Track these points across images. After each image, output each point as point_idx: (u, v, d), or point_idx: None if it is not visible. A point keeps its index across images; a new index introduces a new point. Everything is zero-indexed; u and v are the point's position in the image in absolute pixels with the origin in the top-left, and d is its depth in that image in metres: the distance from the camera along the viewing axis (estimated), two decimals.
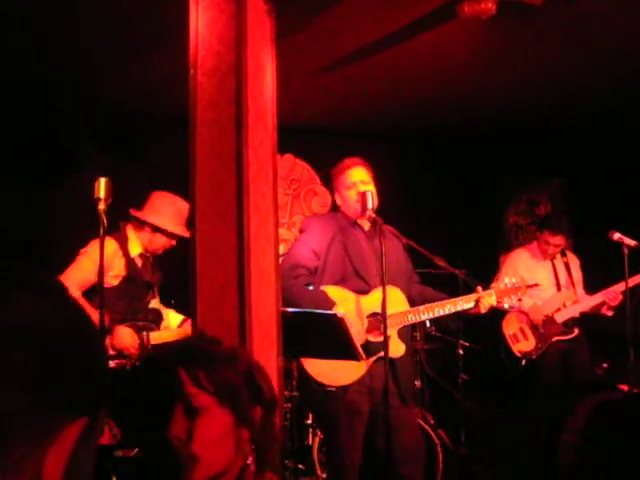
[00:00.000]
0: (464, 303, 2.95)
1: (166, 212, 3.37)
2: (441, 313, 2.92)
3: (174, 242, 3.41)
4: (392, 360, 2.90)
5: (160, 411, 1.14)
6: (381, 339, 2.76)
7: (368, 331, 2.88)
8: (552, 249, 4.22)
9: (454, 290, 3.35)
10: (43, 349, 0.53)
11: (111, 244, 3.15)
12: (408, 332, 3.13)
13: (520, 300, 3.25)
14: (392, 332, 2.89)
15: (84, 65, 3.81)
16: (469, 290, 3.11)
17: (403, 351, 2.94)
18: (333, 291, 2.90)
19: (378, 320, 2.79)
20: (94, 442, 0.58)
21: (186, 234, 3.27)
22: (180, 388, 1.13)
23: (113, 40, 3.48)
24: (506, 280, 3.16)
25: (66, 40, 3.47)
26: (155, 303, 3.48)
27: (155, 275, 3.48)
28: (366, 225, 3.03)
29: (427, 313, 2.91)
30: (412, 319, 2.92)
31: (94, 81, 4.08)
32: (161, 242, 3.38)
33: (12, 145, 4.23)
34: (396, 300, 2.93)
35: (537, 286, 3.49)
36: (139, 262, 3.37)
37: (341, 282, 2.92)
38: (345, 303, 2.86)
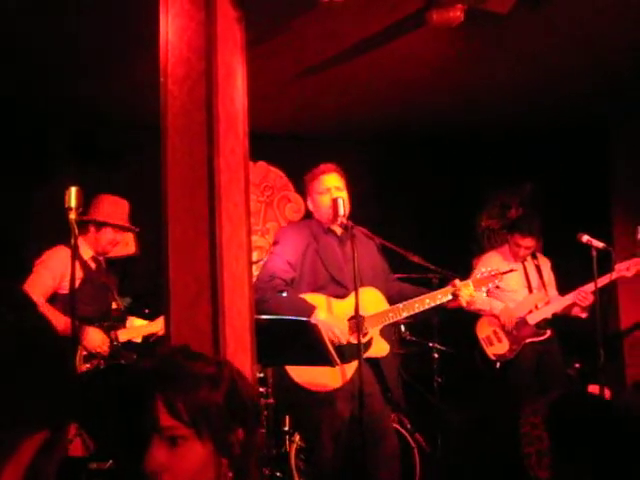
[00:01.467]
0: (442, 296, 2.96)
1: (106, 210, 3.48)
2: (421, 309, 2.93)
3: (119, 238, 3.52)
4: (377, 360, 2.94)
5: (135, 441, 1.09)
6: (362, 340, 2.79)
7: (345, 338, 2.88)
8: (523, 251, 4.28)
9: (429, 288, 3.34)
10: (4, 360, 0.52)
11: (64, 251, 3.26)
12: (391, 331, 3.14)
13: (498, 287, 3.23)
14: (374, 332, 2.92)
15: (58, 73, 3.77)
16: (444, 286, 3.11)
17: (387, 350, 2.96)
18: (311, 298, 2.91)
19: (354, 324, 2.80)
20: (57, 455, 0.57)
21: (128, 226, 3.53)
22: (157, 420, 1.07)
23: (87, 48, 3.45)
24: (482, 269, 3.18)
25: (40, 50, 3.43)
26: (115, 306, 3.54)
27: (110, 278, 3.58)
28: (339, 230, 3.06)
29: (407, 310, 2.92)
30: (392, 317, 2.93)
31: (67, 89, 4.03)
32: (107, 238, 3.48)
33: None
34: (375, 301, 2.96)
35: (513, 271, 3.49)
36: (92, 265, 3.47)
37: (319, 290, 2.94)
38: (324, 308, 2.88)
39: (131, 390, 1.11)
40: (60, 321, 3.00)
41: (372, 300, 2.93)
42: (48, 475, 0.57)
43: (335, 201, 2.92)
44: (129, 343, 3.44)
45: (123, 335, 3.38)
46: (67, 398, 0.57)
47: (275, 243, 3.09)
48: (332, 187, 3.03)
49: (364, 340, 2.85)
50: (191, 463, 1.08)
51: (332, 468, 2.86)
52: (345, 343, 2.85)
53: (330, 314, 2.87)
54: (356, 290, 2.69)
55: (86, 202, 2.91)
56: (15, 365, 0.53)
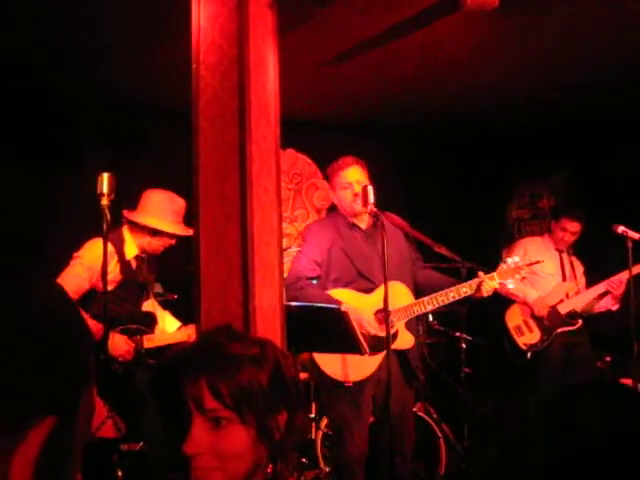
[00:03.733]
0: (467, 289, 2.97)
1: (163, 212, 3.25)
2: (445, 302, 2.95)
3: (174, 241, 3.33)
4: (405, 351, 3.01)
5: (179, 423, 1.06)
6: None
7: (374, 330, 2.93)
8: (568, 236, 4.22)
9: (457, 278, 3.31)
10: (19, 344, 0.50)
11: (107, 248, 2.92)
12: (414, 324, 3.18)
13: (524, 279, 3.21)
14: (400, 325, 2.97)
15: (88, 60, 3.80)
16: (472, 277, 3.11)
17: (412, 342, 3.02)
18: (337, 293, 2.95)
19: (381, 317, 2.87)
20: (71, 441, 0.55)
21: (186, 232, 3.26)
22: (201, 401, 1.05)
23: (117, 34, 3.47)
24: (508, 261, 3.14)
25: (69, 35, 3.46)
26: (149, 305, 3.41)
27: (150, 274, 3.40)
28: (363, 223, 3.08)
29: (432, 304, 2.95)
30: (417, 311, 2.97)
31: (98, 76, 4.07)
32: (162, 243, 3.29)
33: (15, 140, 4.22)
34: (401, 294, 3.00)
35: (539, 262, 3.40)
36: (134, 264, 3.28)
37: (347, 285, 2.98)
38: (351, 302, 2.92)
39: (175, 371, 1.09)
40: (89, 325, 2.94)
41: (398, 294, 2.97)
42: (65, 461, 0.55)
43: (364, 189, 2.91)
44: (156, 349, 3.24)
45: (149, 342, 3.21)
46: (72, 381, 0.56)
47: (303, 241, 3.12)
48: (354, 181, 3.02)
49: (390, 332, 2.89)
50: (233, 445, 1.06)
51: (358, 454, 2.92)
52: (373, 333, 2.89)
53: (357, 306, 2.91)
54: (385, 284, 2.71)
55: (117, 189, 2.81)
56: (16, 347, 0.51)
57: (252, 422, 1.07)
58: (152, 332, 3.30)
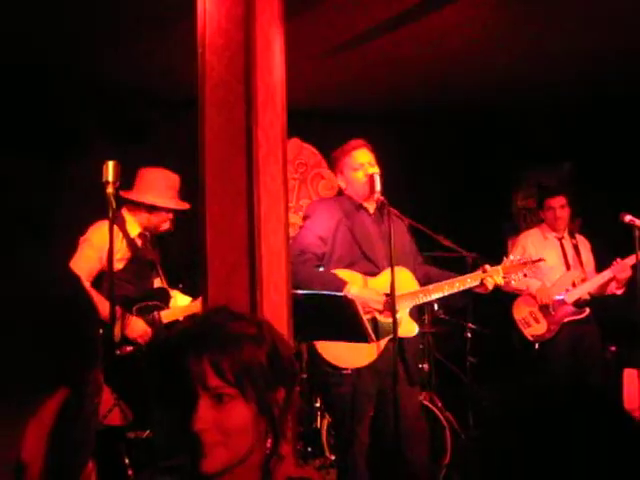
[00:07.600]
0: (472, 281, 2.95)
1: (158, 187, 3.32)
2: (450, 292, 2.92)
3: (171, 216, 3.40)
4: (401, 340, 2.90)
5: (184, 402, 1.10)
6: (391, 320, 2.79)
7: (379, 312, 2.86)
8: (559, 212, 4.17)
9: (462, 271, 3.30)
10: (31, 315, 0.51)
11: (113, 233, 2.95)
12: (416, 313, 3.11)
13: (525, 276, 3.24)
14: (403, 312, 2.90)
15: (91, 47, 3.77)
16: (476, 269, 3.09)
17: (416, 330, 2.95)
18: (344, 274, 2.87)
19: (388, 301, 2.79)
20: (84, 414, 0.55)
21: (181, 206, 3.37)
22: (205, 379, 1.09)
23: (121, 21, 3.44)
24: (511, 257, 3.17)
25: (73, 22, 3.43)
26: (159, 282, 3.47)
27: (155, 254, 3.47)
28: (371, 208, 3.02)
29: (437, 292, 2.91)
30: (422, 299, 2.92)
31: (102, 63, 4.04)
32: (160, 218, 3.36)
33: (21, 128, 4.20)
34: (406, 281, 2.93)
35: (542, 261, 3.43)
36: (139, 242, 3.34)
37: (350, 266, 2.90)
38: (359, 284, 2.86)
39: (177, 351, 1.12)
40: (105, 307, 2.89)
41: (403, 280, 2.90)
42: (78, 434, 0.56)
43: (371, 177, 2.88)
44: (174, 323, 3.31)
45: (166, 317, 3.28)
46: (85, 354, 0.56)
47: (305, 217, 3.04)
48: (365, 162, 2.97)
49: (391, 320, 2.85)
50: (236, 421, 1.11)
51: (359, 445, 2.83)
52: (382, 309, 2.79)
53: (364, 288, 2.84)
54: (392, 269, 2.66)
55: (124, 176, 2.83)
56: (47, 319, 0.52)
57: (253, 398, 1.11)
58: (167, 307, 3.35)
